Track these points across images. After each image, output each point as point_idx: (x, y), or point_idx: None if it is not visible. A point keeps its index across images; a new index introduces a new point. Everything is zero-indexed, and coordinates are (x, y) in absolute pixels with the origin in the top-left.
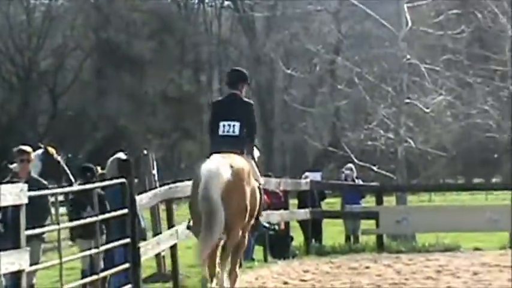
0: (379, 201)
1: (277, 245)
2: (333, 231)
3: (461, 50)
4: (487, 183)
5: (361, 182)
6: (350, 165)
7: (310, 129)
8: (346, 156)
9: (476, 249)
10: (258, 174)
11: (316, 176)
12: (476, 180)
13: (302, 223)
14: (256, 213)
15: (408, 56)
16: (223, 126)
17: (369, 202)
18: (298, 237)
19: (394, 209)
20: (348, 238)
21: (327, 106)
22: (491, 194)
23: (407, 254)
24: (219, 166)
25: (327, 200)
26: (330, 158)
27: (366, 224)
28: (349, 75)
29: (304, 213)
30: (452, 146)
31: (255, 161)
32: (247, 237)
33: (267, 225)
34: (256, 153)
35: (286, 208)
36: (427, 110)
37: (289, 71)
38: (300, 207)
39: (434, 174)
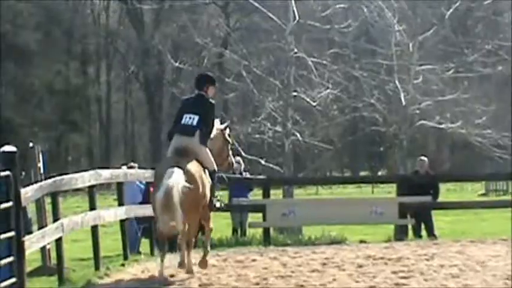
0: (266, 194)
1: None
2: (220, 224)
3: (348, 44)
4: (373, 176)
5: (248, 175)
6: (238, 158)
7: None
8: (233, 149)
9: (362, 241)
10: (211, 160)
11: None
12: (362, 173)
13: None
14: (208, 197)
15: (295, 50)
16: (185, 117)
17: (256, 195)
18: None
19: (281, 202)
20: (235, 231)
21: (215, 99)
22: (378, 186)
23: (293, 247)
24: (178, 177)
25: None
26: None
27: (253, 217)
28: (237, 69)
29: None
30: (339, 139)
31: (206, 147)
32: (209, 221)
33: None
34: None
35: None
36: (314, 104)
37: (177, 64)
38: None
39: (321, 167)
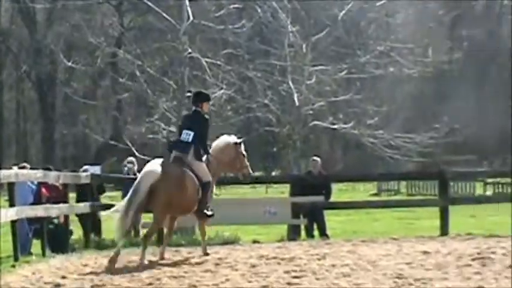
0: None
1: (56, 239)
2: (113, 225)
3: (241, 45)
4: (267, 176)
5: None
6: (131, 158)
7: (91, 122)
8: (127, 150)
9: (255, 242)
10: (205, 171)
11: (96, 170)
12: (256, 174)
13: (81, 217)
14: (195, 205)
15: (189, 50)
16: (184, 133)
17: None
18: (77, 231)
19: None
20: (128, 232)
21: (109, 99)
22: (271, 187)
23: (187, 247)
24: (153, 169)
25: (108, 194)
26: (111, 151)
27: (147, 217)
28: (130, 68)
29: (84, 207)
30: None
31: (201, 161)
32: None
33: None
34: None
35: (65, 202)
36: None
37: (70, 64)
38: (79, 200)
39: None
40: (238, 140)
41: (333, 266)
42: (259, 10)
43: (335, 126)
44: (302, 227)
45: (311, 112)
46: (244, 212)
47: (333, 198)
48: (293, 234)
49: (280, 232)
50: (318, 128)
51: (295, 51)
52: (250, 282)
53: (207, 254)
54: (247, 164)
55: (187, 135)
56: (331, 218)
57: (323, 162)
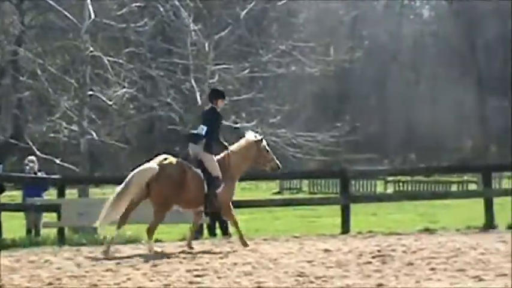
0: (61, 194)
1: None
2: (13, 225)
3: (144, 43)
4: None
5: (44, 175)
6: (32, 157)
7: None
8: (28, 149)
9: (157, 240)
10: (214, 165)
11: None
12: None
13: None
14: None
15: (91, 48)
16: (200, 128)
17: (51, 195)
18: None
19: (76, 202)
20: (29, 231)
21: (9, 97)
22: None
23: (88, 246)
24: (151, 167)
25: (8, 193)
26: (12, 150)
27: (48, 216)
28: (31, 67)
29: None
30: (136, 138)
31: (211, 154)
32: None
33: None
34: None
35: None
36: (110, 103)
37: None
38: None
39: (118, 167)
40: (259, 137)
41: (235, 264)
42: (161, 9)
43: (237, 125)
44: (204, 225)
45: None
46: (147, 211)
47: (235, 197)
48: (195, 233)
49: (183, 231)
50: (220, 127)
51: (197, 50)
52: (151, 281)
53: (246, 245)
54: (272, 157)
55: (201, 129)
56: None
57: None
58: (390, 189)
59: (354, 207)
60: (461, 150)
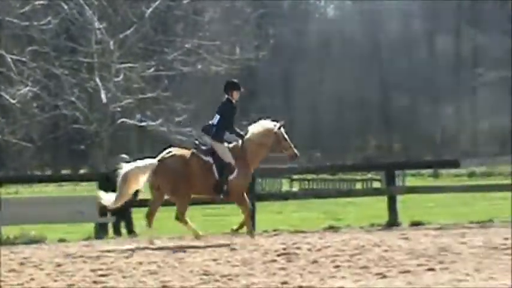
0: None
1: None
2: None
3: (47, 41)
4: (75, 175)
5: None
6: None
7: None
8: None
9: (62, 240)
10: (225, 152)
11: None
12: (64, 172)
13: None
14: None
15: None
16: (214, 117)
17: None
18: None
19: None
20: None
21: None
22: (79, 185)
23: None
24: (150, 162)
25: None
26: None
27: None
28: None
29: None
30: (40, 137)
31: (222, 142)
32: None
33: None
34: (231, 137)
35: None
36: (14, 101)
37: None
38: None
39: (22, 166)
40: (278, 125)
41: (140, 263)
42: (65, 7)
43: (143, 124)
44: (110, 225)
45: (119, 109)
46: (52, 211)
47: (142, 196)
48: (100, 232)
49: (88, 230)
50: (126, 126)
51: (102, 48)
52: (56, 281)
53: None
54: (290, 145)
55: (215, 119)
56: (140, 216)
57: (131, 160)
58: (296, 188)
59: (260, 206)
60: (366, 148)
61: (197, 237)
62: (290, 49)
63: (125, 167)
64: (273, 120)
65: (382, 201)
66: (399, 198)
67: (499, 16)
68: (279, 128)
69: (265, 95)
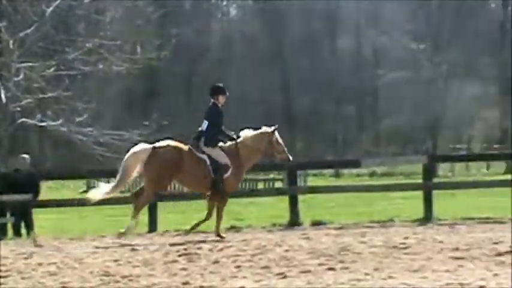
0: None
1: None
2: None
3: None
4: None
5: None
6: None
7: None
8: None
9: None
10: (219, 155)
11: None
12: None
13: None
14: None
15: None
16: (203, 123)
17: None
18: None
19: None
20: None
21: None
22: None
23: None
24: (144, 148)
25: None
26: None
27: None
28: None
29: None
30: None
31: (214, 147)
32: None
33: None
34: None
35: None
36: None
37: None
38: None
39: None
40: (270, 129)
41: (40, 264)
42: None
43: (43, 124)
44: (9, 225)
45: (19, 109)
46: None
47: (42, 196)
48: None
49: None
50: (26, 125)
51: (2, 47)
52: None
53: (221, 237)
54: (284, 149)
55: (204, 125)
56: (40, 216)
57: (32, 160)
58: None
59: (162, 205)
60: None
61: (121, 235)
62: (192, 49)
63: (125, 157)
64: (270, 126)
65: (284, 201)
66: (301, 198)
67: (400, 17)
68: (273, 132)
69: (167, 95)
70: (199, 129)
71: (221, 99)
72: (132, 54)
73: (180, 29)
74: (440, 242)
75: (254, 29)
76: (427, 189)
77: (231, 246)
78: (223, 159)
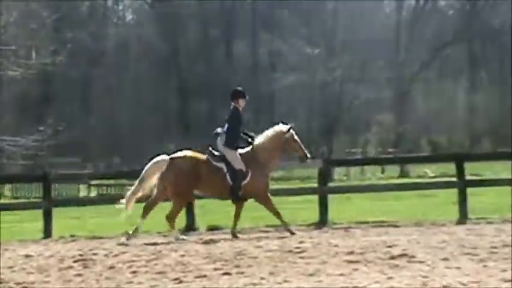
0: None
1: None
2: None
3: None
4: None
5: None
6: None
7: None
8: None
9: None
10: (234, 158)
11: None
12: None
13: None
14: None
15: None
16: (224, 126)
17: None
18: None
19: None
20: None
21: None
22: None
23: None
24: (162, 159)
25: None
26: None
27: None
28: None
29: None
30: None
31: (232, 149)
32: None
33: None
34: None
35: None
36: None
37: None
38: None
39: None
40: (286, 128)
41: None
42: None
43: None
44: None
45: None
46: None
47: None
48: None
49: None
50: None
51: None
52: None
53: (236, 236)
54: (301, 147)
55: (224, 127)
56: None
57: None
58: (93, 193)
59: (56, 211)
60: (164, 152)
61: (176, 238)
62: (88, 53)
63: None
64: (283, 123)
65: None
66: (197, 203)
67: (295, 21)
68: (289, 130)
69: (63, 100)
70: (219, 131)
71: (241, 103)
72: (27, 59)
73: (76, 33)
74: (336, 245)
75: (150, 34)
76: (322, 193)
77: (126, 252)
78: (239, 164)
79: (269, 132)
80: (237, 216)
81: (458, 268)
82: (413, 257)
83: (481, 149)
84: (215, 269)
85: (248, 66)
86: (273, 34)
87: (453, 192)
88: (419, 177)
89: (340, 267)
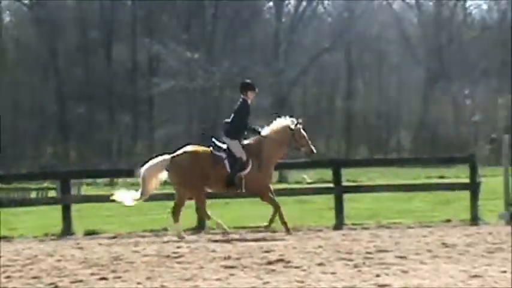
0: None
1: None
2: None
3: None
4: None
5: None
6: None
7: None
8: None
9: None
10: (237, 148)
11: None
12: None
13: None
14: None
15: None
16: (231, 116)
17: None
18: None
19: None
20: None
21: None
22: None
23: None
24: (162, 158)
25: None
26: None
27: None
28: None
29: None
30: None
31: (236, 139)
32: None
33: None
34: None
35: None
36: None
37: None
38: None
39: None
40: (295, 121)
41: None
42: None
43: None
44: None
45: None
46: None
47: None
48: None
49: None
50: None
51: None
52: None
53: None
54: (307, 142)
55: (231, 117)
56: None
57: None
58: None
59: None
60: (42, 157)
61: (224, 233)
62: None
63: (144, 167)
64: (291, 117)
65: (58, 210)
66: (76, 207)
67: (175, 26)
68: (296, 125)
69: None
70: (226, 120)
71: (250, 95)
72: None
73: None
74: (213, 251)
75: (29, 37)
76: None
77: (1, 257)
78: (239, 152)
79: (276, 126)
80: (276, 215)
81: (333, 273)
82: (289, 262)
83: (357, 155)
84: (91, 274)
85: (128, 70)
86: (153, 38)
87: (330, 198)
88: (297, 183)
89: (217, 272)
